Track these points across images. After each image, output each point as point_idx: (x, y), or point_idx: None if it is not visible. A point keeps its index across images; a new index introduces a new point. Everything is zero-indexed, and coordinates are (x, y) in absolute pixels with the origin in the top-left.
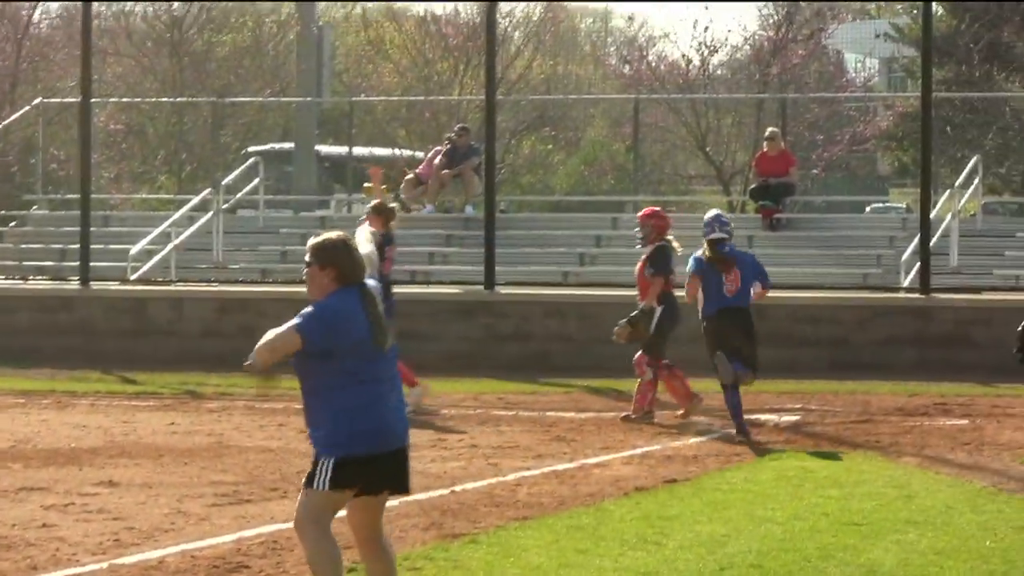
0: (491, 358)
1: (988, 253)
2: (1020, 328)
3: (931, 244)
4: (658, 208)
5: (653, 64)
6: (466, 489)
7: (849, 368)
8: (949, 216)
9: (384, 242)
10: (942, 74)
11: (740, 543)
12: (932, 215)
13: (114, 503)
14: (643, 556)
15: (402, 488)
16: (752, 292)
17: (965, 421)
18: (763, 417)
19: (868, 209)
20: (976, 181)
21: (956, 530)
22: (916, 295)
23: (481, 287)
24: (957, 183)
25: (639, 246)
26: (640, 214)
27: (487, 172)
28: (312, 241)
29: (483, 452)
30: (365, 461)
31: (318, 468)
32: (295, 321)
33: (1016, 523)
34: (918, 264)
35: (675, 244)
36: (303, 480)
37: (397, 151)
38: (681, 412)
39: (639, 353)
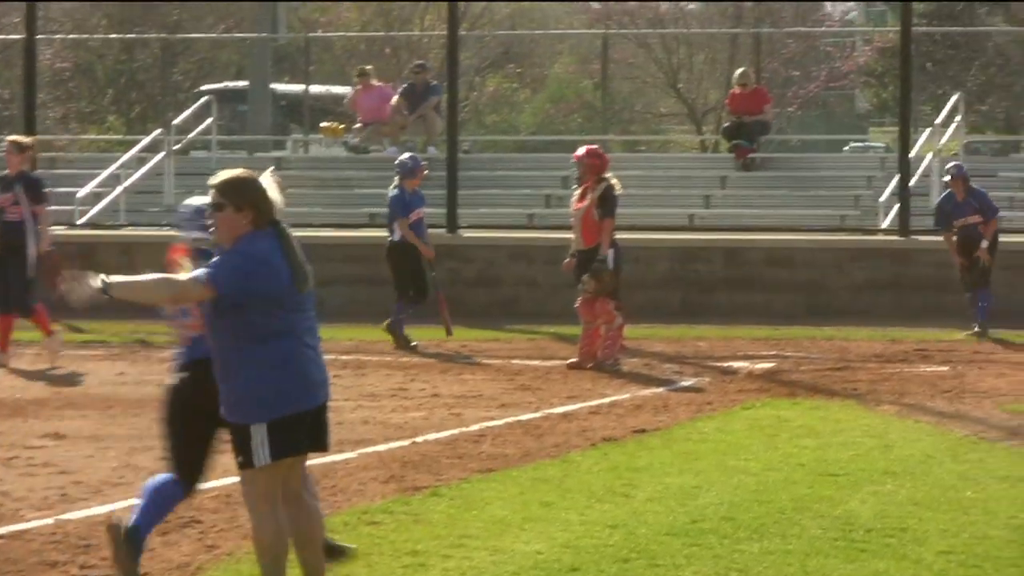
0: (455, 304)
1: None
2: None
3: (911, 185)
4: (596, 146)
5: None
6: (428, 440)
7: (826, 313)
8: (930, 156)
9: None
10: (923, 8)
11: (712, 495)
12: (912, 155)
13: (61, 456)
14: (611, 508)
15: (323, 446)
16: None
17: (946, 368)
18: (736, 364)
19: (846, 148)
20: (958, 119)
21: (935, 480)
22: (895, 237)
23: (444, 230)
24: (938, 121)
25: (575, 187)
26: (578, 153)
27: (449, 111)
28: (218, 179)
29: (445, 402)
30: (296, 421)
31: (251, 440)
32: (204, 270)
33: (998, 472)
34: (897, 205)
35: (616, 183)
36: (237, 459)
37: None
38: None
39: (584, 298)
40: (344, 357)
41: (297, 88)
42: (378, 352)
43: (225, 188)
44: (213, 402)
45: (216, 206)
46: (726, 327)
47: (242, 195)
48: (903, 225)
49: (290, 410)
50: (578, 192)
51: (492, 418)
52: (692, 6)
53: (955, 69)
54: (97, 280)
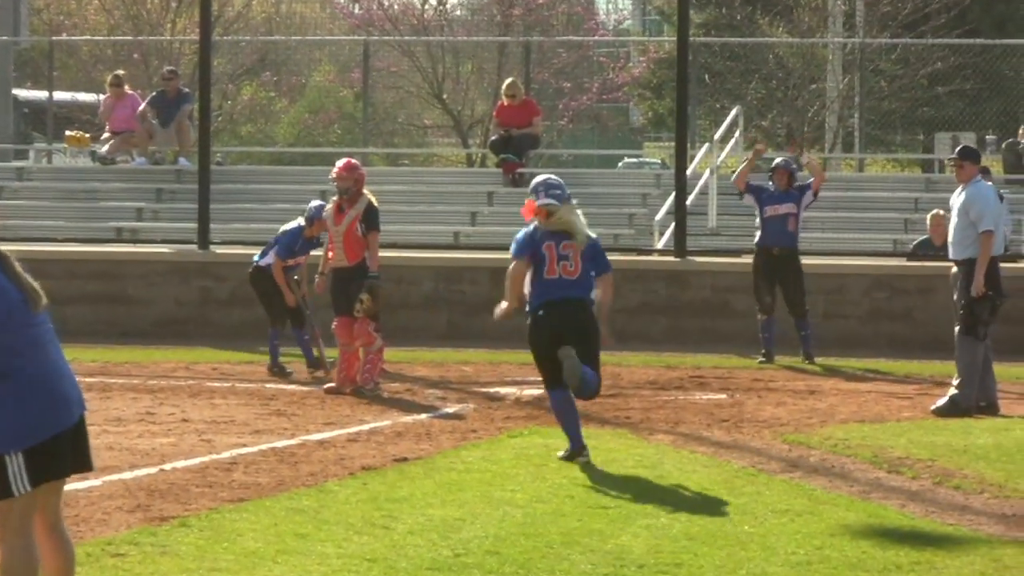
0: (207, 324)
1: (749, 213)
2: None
3: (688, 203)
4: (355, 160)
5: (385, 4)
6: (176, 468)
7: None
8: (708, 173)
9: None
10: (701, 18)
11: (476, 528)
12: (689, 171)
13: None
14: (370, 541)
15: (87, 465)
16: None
17: (723, 396)
18: (503, 390)
19: (620, 164)
20: (737, 134)
21: (712, 514)
22: (671, 258)
23: (195, 246)
24: (716, 136)
25: (330, 202)
26: (339, 167)
27: (202, 121)
28: None
29: (196, 427)
30: (52, 443)
31: (6, 471)
32: None
33: (776, 506)
34: (673, 224)
35: (373, 198)
36: None
37: (102, 96)
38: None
39: (341, 319)
40: (89, 379)
41: (40, 95)
42: (124, 374)
43: None
44: (559, 329)
45: None
46: (493, 351)
47: None
48: (679, 245)
49: (48, 433)
50: (332, 207)
51: (244, 445)
52: (459, 13)
53: (735, 82)
54: None
